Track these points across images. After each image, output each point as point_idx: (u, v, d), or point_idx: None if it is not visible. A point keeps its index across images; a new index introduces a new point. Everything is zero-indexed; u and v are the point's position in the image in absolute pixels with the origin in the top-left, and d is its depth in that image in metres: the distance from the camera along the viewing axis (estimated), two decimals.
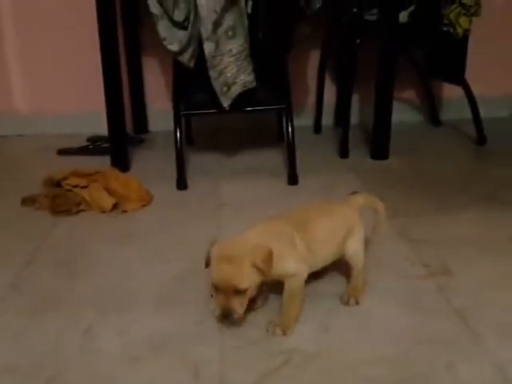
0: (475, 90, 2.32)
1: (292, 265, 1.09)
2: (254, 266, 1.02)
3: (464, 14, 2.16)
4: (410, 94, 2.74)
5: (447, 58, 2.37)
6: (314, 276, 1.20)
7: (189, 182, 1.91)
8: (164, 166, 2.04)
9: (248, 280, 1.02)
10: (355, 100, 2.50)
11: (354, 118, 2.37)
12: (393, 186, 1.87)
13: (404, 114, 2.64)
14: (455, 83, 2.38)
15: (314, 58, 2.59)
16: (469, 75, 2.31)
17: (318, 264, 1.17)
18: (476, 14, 2.16)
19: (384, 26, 2.06)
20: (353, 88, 2.32)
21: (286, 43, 1.97)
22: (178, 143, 1.92)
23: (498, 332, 1.09)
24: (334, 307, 1.18)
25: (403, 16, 2.20)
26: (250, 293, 1.05)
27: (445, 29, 2.19)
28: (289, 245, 1.10)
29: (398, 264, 1.36)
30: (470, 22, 2.17)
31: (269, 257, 1.03)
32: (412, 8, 2.21)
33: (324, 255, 1.17)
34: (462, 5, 2.15)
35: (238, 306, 1.03)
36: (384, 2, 2.08)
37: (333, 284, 1.26)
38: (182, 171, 1.91)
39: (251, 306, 1.12)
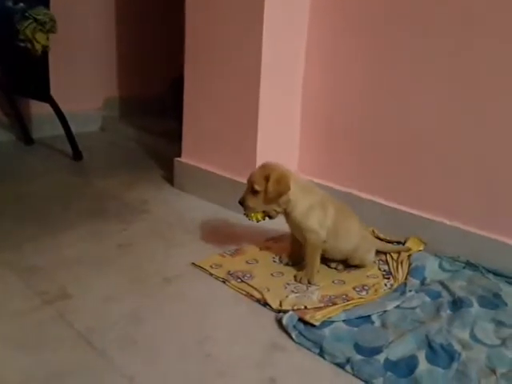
0: (64, 106, 2.33)
1: (314, 222, 1.34)
2: (265, 178, 1.29)
3: (40, 30, 2.12)
4: None
5: (29, 75, 2.29)
6: None
7: None
8: None
9: (260, 185, 1.30)
10: None
11: None
12: None
13: None
14: (41, 100, 2.33)
15: None
16: (56, 92, 2.30)
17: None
18: (52, 30, 2.16)
19: None
20: None
21: None
22: None
23: (121, 345, 1.10)
24: None
25: None
26: (264, 200, 1.31)
27: (22, 45, 2.11)
28: (321, 208, 1.35)
29: (9, 301, 1.23)
30: (48, 38, 2.15)
31: (280, 179, 1.30)
32: None
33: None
34: (36, 21, 2.10)
35: (251, 201, 1.33)
36: None
37: None
38: None
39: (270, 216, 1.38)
